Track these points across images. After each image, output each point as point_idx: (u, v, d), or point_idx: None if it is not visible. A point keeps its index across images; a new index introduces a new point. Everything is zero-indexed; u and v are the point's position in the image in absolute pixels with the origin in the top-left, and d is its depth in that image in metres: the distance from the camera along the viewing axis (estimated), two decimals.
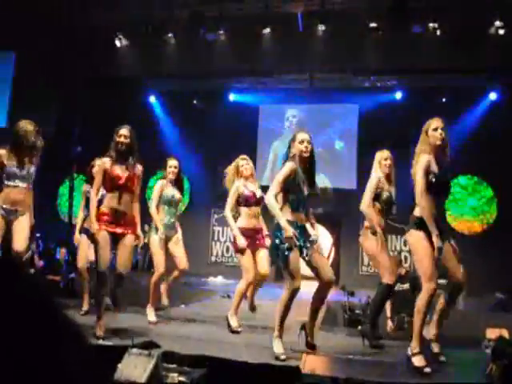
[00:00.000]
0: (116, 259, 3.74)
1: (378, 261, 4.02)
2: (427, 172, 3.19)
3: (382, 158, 4.14)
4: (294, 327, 3.67)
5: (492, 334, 3.78)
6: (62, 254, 7.74)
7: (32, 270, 6.73)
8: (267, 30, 10.15)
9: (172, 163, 4.79)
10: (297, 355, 3.29)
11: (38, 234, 8.69)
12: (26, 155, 3.94)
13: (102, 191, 4.01)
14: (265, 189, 3.85)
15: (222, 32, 10.22)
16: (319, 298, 3.44)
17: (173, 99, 12.04)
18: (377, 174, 4.10)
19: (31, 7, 9.38)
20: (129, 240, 3.76)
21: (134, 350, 2.64)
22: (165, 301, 4.99)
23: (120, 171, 3.75)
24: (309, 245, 3.33)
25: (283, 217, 3.27)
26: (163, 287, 4.92)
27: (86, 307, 4.86)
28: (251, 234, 4.35)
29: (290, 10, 10.07)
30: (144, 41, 10.47)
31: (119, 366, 2.53)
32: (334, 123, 11.78)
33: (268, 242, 4.19)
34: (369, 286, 6.78)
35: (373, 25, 9.54)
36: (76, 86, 10.91)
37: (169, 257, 4.71)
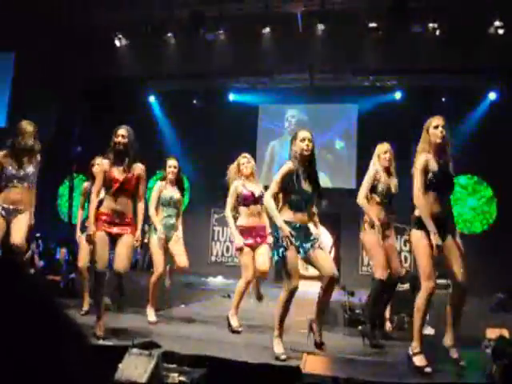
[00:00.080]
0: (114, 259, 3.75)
1: (371, 254, 4.02)
2: (425, 171, 3.19)
3: (382, 151, 4.14)
4: (294, 327, 3.67)
5: (492, 333, 3.78)
6: (62, 253, 7.74)
7: (32, 270, 6.74)
8: (267, 30, 10.16)
9: (171, 163, 4.77)
10: (297, 355, 3.28)
11: (38, 234, 8.68)
12: (25, 156, 3.98)
13: (102, 193, 4.01)
14: (267, 189, 3.84)
15: (221, 32, 10.23)
16: (324, 295, 3.42)
17: (173, 99, 12.01)
18: (375, 166, 4.11)
19: (31, 7, 9.38)
20: (127, 239, 3.76)
21: (135, 350, 2.64)
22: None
23: (117, 173, 3.75)
24: (309, 244, 3.33)
25: (281, 217, 3.28)
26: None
27: (86, 307, 4.85)
28: (252, 232, 4.34)
29: (289, 9, 10.07)
30: (144, 41, 10.46)
31: (120, 366, 2.53)
32: (333, 123, 11.76)
33: (270, 239, 4.19)
34: (369, 285, 6.75)
35: (372, 25, 9.55)
36: (76, 85, 10.91)
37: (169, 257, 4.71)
